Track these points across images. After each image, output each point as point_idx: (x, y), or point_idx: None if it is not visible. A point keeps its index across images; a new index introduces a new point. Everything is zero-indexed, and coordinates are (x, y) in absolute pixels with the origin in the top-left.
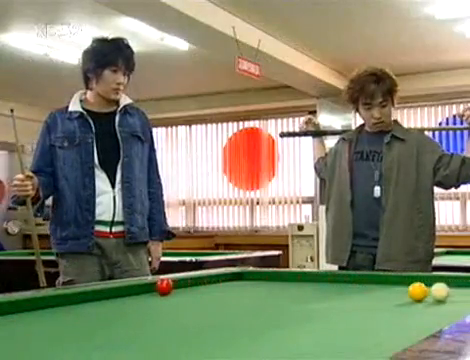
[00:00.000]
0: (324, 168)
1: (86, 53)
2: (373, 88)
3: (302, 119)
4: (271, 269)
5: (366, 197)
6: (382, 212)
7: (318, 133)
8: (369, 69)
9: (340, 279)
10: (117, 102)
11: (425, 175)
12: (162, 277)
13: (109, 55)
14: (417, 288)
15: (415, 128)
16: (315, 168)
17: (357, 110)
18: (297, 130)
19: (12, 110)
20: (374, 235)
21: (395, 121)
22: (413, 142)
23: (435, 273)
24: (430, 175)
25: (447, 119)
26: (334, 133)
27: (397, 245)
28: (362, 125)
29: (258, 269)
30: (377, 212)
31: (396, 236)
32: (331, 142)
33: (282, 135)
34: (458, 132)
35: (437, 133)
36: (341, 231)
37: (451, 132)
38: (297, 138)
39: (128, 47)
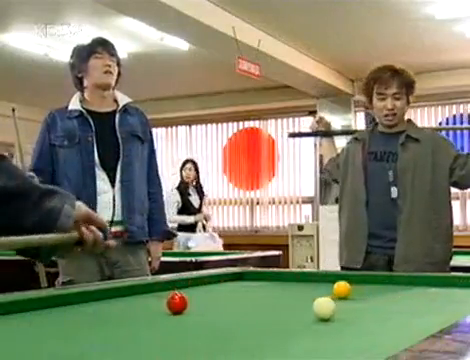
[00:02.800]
0: (335, 169)
1: (70, 58)
2: (389, 77)
3: (312, 119)
4: (271, 269)
5: (381, 198)
6: (399, 213)
7: (328, 133)
8: (388, 64)
9: (340, 280)
10: (116, 101)
11: (441, 175)
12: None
13: (88, 47)
14: (341, 286)
15: (430, 127)
16: (326, 170)
17: (370, 103)
18: (306, 130)
19: (14, 109)
20: (391, 236)
21: (409, 120)
22: (428, 142)
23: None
24: (446, 175)
25: (447, 119)
26: (344, 133)
27: (415, 246)
28: (375, 125)
29: (258, 269)
30: (393, 213)
31: (414, 237)
32: (337, 142)
33: (291, 135)
34: (458, 132)
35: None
36: (356, 232)
37: (451, 131)
38: (297, 147)
39: (104, 39)
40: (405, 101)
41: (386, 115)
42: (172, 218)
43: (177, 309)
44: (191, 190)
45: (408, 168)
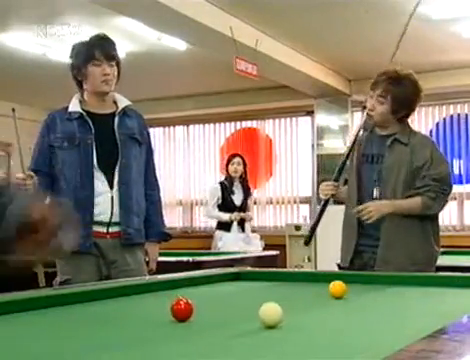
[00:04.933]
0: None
1: (70, 58)
2: (380, 79)
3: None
4: (268, 269)
5: (369, 198)
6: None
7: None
8: (401, 68)
9: (336, 280)
10: (115, 103)
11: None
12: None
13: (86, 52)
14: (337, 286)
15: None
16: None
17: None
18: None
19: (13, 109)
20: (377, 236)
21: (406, 123)
22: (412, 146)
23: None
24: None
25: (444, 119)
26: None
27: (395, 249)
28: (373, 126)
29: (255, 269)
30: None
31: (394, 239)
32: (331, 142)
33: (307, 243)
34: (455, 134)
35: (434, 134)
36: (348, 232)
37: (448, 133)
38: (295, 147)
39: (104, 38)
40: (388, 108)
41: (367, 113)
42: (210, 213)
43: (182, 318)
44: (235, 187)
45: (392, 170)
